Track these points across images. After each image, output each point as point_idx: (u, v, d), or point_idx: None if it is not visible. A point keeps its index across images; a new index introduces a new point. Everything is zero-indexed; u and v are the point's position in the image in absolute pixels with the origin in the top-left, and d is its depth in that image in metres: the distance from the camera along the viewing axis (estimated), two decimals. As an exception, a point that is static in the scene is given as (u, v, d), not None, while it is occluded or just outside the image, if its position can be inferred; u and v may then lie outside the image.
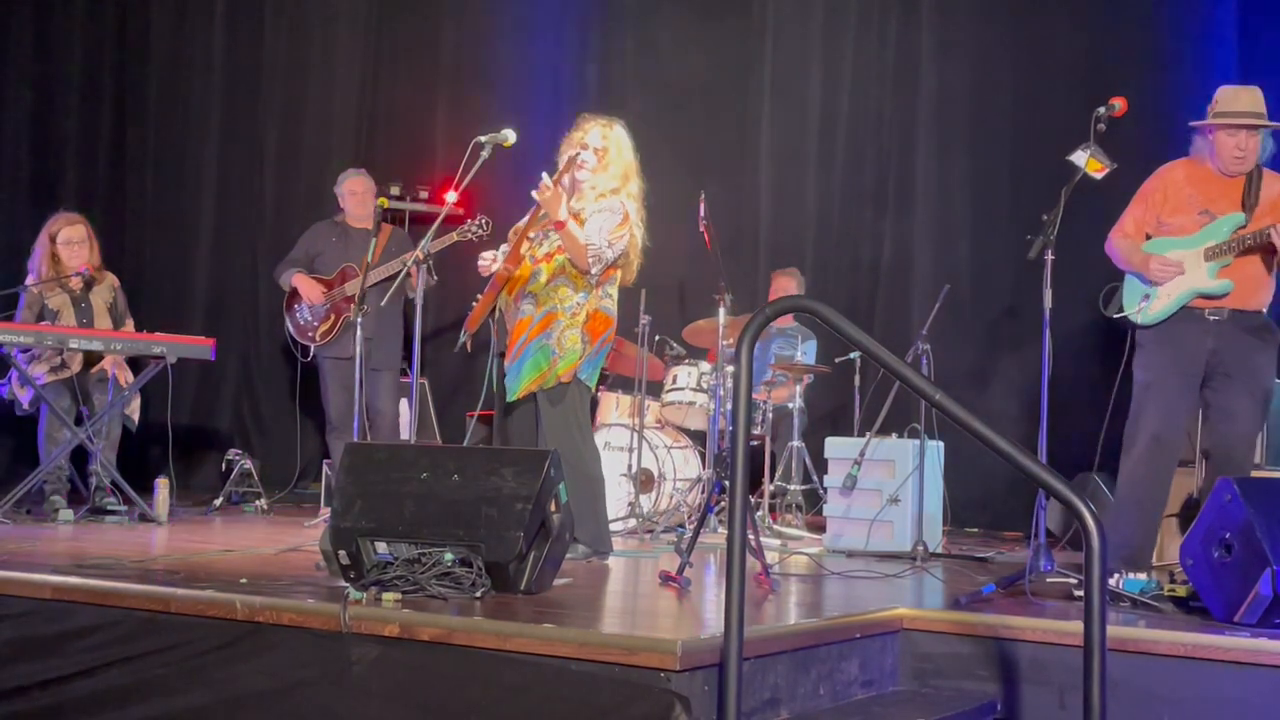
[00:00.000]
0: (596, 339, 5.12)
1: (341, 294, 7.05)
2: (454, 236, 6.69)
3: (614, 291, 5.23)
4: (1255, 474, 5.45)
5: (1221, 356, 4.81)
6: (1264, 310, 4.88)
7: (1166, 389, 4.85)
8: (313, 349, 7.17)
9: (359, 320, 5.93)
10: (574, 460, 5.00)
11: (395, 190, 8.92)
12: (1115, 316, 5.05)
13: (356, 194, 7.32)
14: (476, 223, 6.68)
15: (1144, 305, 4.92)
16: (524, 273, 5.10)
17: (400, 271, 6.17)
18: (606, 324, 5.17)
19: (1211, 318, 4.82)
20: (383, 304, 6.21)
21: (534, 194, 4.97)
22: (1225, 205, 4.86)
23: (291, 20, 9.85)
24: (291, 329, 7.24)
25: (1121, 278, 5.08)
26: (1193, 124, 4.98)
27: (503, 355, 5.16)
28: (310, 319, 7.17)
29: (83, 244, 6.95)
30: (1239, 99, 4.86)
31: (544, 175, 4.96)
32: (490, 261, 5.15)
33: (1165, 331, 4.90)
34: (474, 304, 5.23)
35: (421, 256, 5.65)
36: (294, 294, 7.24)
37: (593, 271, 5.04)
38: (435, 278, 7.01)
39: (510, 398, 5.07)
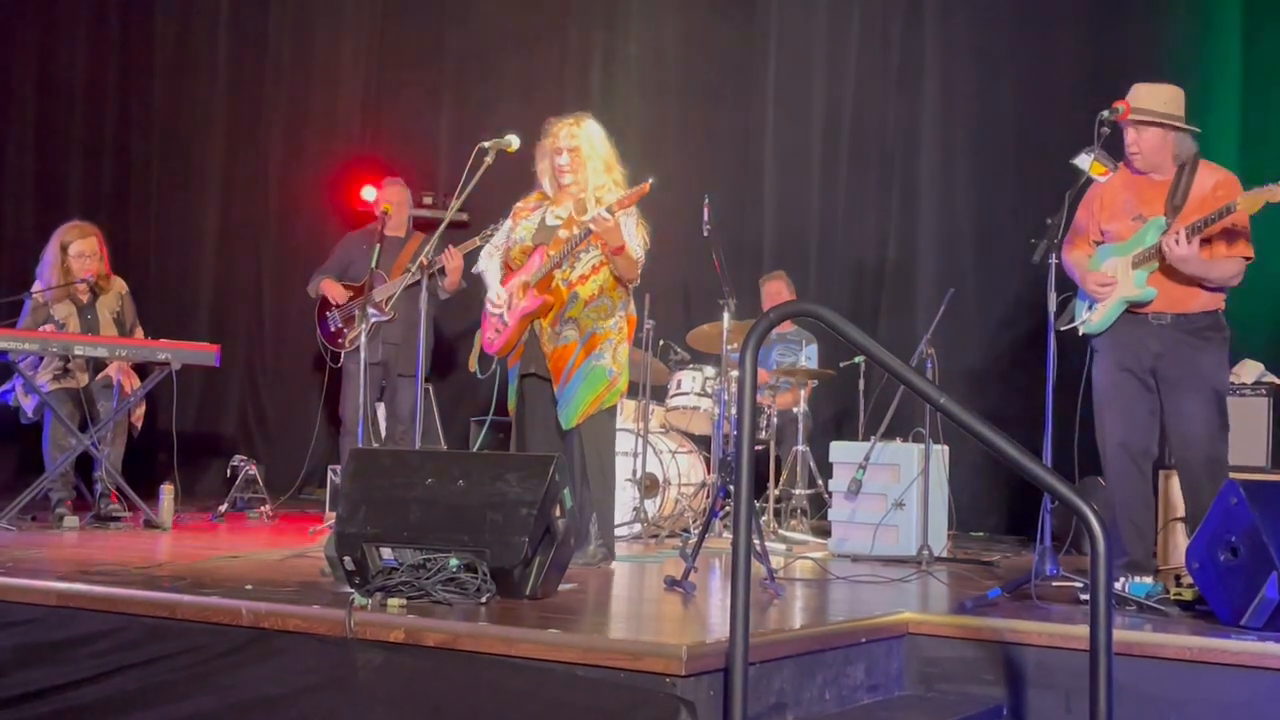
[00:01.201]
0: (629, 341, 5.28)
1: (369, 300, 7.11)
2: (476, 241, 6.71)
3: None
4: (1260, 478, 5.44)
5: (1166, 361, 4.78)
6: (1213, 310, 4.79)
7: (1122, 393, 4.85)
8: (343, 355, 7.26)
9: (365, 328, 5.96)
10: (609, 471, 5.18)
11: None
12: (1064, 329, 5.04)
13: (393, 204, 7.38)
14: (496, 226, 6.69)
15: (1088, 316, 4.93)
16: (559, 298, 5.08)
17: (405, 281, 6.19)
18: (634, 323, 5.34)
19: (1155, 322, 4.80)
20: (389, 309, 6.22)
21: (590, 225, 4.94)
22: (1155, 208, 4.82)
23: (295, 25, 9.87)
24: (322, 336, 7.36)
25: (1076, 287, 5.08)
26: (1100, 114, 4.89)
27: (532, 375, 5.16)
28: (341, 325, 7.29)
29: (93, 256, 6.95)
30: (1135, 94, 4.78)
31: (601, 210, 4.91)
32: (500, 304, 5.15)
33: (1112, 337, 4.89)
34: (495, 333, 5.22)
35: (425, 263, 5.67)
36: (325, 301, 7.36)
37: (639, 278, 5.17)
38: (465, 284, 7.06)
39: (568, 425, 5.08)
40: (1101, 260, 4.93)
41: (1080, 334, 4.98)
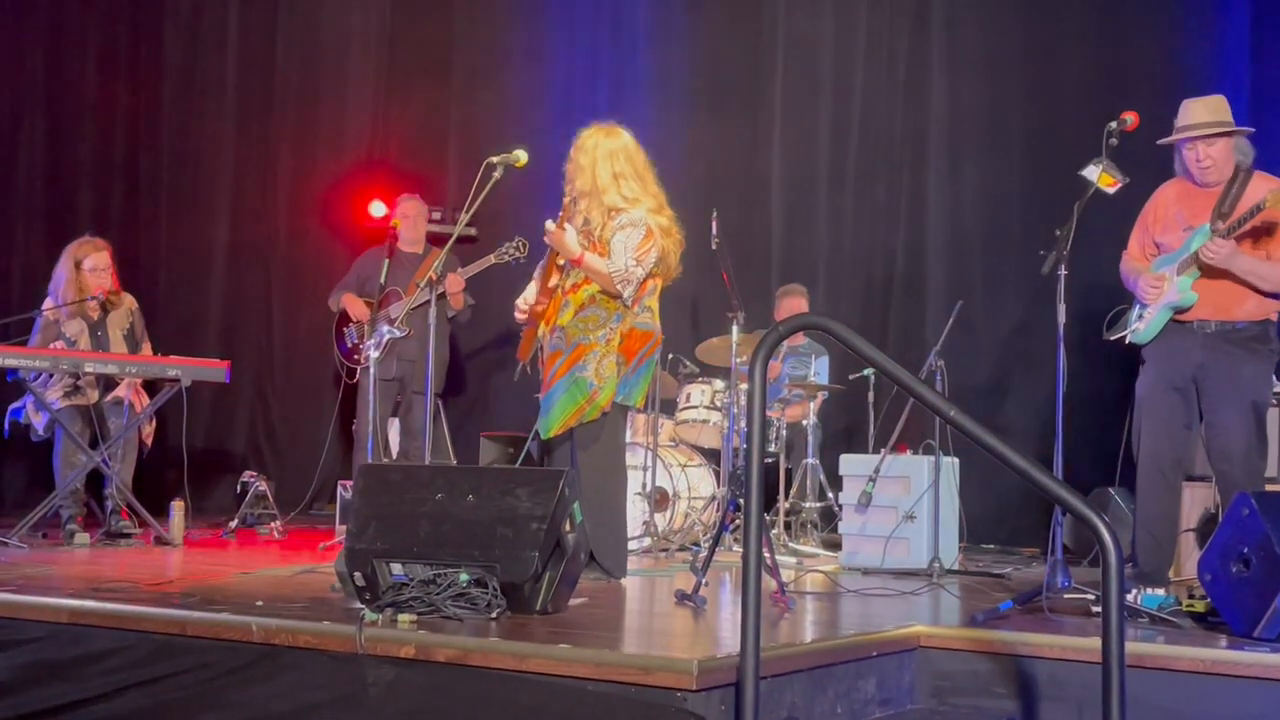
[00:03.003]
0: (633, 357, 4.99)
1: (385, 316, 7.13)
2: (491, 259, 6.70)
3: (653, 304, 5.10)
4: (1273, 488, 5.43)
5: (1209, 370, 4.80)
6: (1260, 320, 4.80)
7: (1157, 405, 4.87)
8: (358, 370, 7.30)
9: (374, 343, 5.99)
10: (606, 491, 4.97)
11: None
12: (1114, 339, 5.07)
13: (409, 218, 7.43)
14: (513, 244, 6.68)
15: (1136, 325, 4.95)
16: (555, 305, 5.04)
17: (414, 300, 6.22)
18: (644, 339, 5.03)
19: (1199, 330, 4.83)
20: (404, 325, 6.23)
21: (545, 239, 4.96)
22: (1204, 218, 4.85)
23: (302, 44, 9.91)
24: (340, 351, 7.39)
25: (1130, 299, 5.10)
26: (1159, 141, 4.97)
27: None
28: (358, 341, 7.32)
29: (107, 270, 6.98)
30: (1192, 111, 4.85)
31: (548, 221, 4.94)
32: (524, 309, 5.15)
33: (1157, 347, 4.93)
34: (521, 335, 5.22)
35: (434, 278, 5.68)
36: (344, 316, 7.39)
37: (626, 294, 4.93)
38: (474, 301, 7.08)
39: (545, 435, 4.97)
40: (1154, 271, 4.97)
41: (1127, 342, 5.02)
